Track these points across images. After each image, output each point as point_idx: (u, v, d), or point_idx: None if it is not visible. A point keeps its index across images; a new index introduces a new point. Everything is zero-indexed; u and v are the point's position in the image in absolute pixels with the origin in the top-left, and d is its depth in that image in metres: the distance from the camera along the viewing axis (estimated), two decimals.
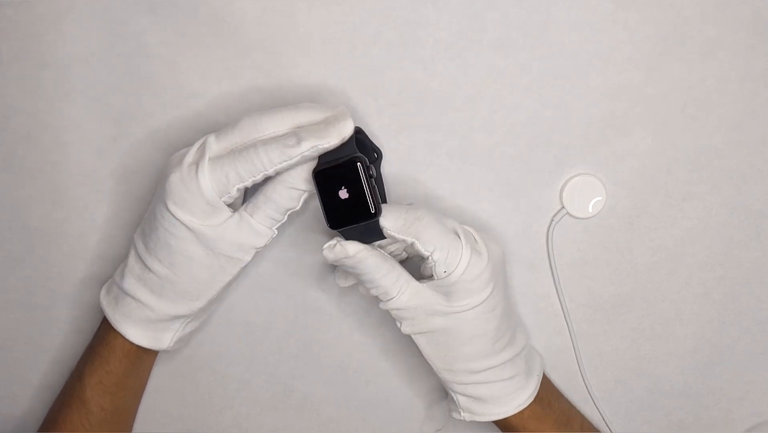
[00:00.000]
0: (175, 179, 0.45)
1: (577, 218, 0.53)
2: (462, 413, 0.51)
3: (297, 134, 0.44)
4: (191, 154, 0.46)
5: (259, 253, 0.48)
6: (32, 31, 0.51)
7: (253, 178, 0.44)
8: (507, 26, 0.50)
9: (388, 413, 0.57)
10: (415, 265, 0.50)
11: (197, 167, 0.45)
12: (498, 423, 0.52)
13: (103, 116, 0.53)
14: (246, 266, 0.48)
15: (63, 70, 0.52)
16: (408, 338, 0.48)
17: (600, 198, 0.52)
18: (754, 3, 0.50)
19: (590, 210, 0.53)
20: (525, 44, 0.51)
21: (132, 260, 0.49)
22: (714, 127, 0.52)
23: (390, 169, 0.53)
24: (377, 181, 0.49)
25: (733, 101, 0.51)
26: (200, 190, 0.45)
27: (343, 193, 0.45)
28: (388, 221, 0.45)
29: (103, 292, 0.51)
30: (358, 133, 0.46)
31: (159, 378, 0.57)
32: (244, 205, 0.47)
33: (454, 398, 0.51)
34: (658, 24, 0.50)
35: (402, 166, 0.53)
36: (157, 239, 0.47)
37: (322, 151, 0.44)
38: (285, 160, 0.44)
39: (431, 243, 0.45)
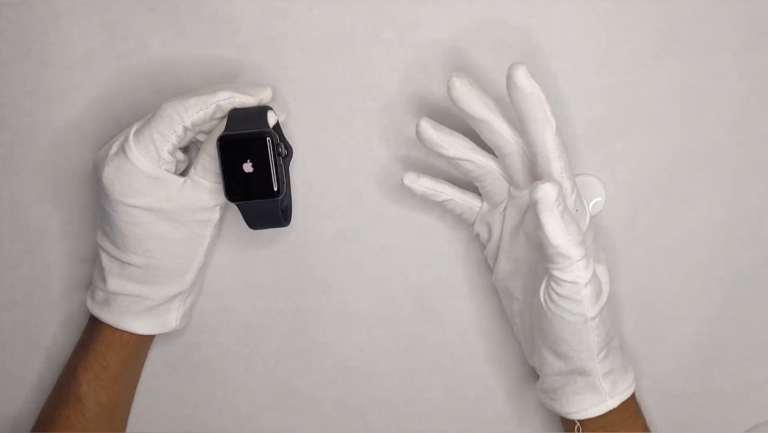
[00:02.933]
0: (109, 172, 0.46)
1: None
2: (609, 401, 0.46)
3: (213, 86, 0.46)
4: (115, 145, 0.46)
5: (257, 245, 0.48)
6: (32, 31, 0.51)
7: (176, 133, 0.45)
8: (506, 27, 0.50)
9: (388, 413, 0.57)
10: None
11: (123, 150, 0.45)
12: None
13: (103, 116, 0.53)
14: (219, 223, 0.49)
15: (63, 70, 0.52)
16: (406, 339, 0.48)
17: (600, 198, 0.52)
18: (754, 3, 0.50)
19: (590, 210, 0.53)
20: (524, 45, 0.51)
21: (106, 262, 0.49)
22: (713, 128, 0.52)
23: (391, 168, 0.53)
24: (285, 167, 0.48)
25: (732, 101, 0.51)
26: (136, 168, 0.45)
27: (248, 167, 0.44)
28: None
29: (89, 301, 0.51)
30: (274, 127, 0.46)
31: (158, 379, 0.57)
32: (193, 168, 0.47)
33: (601, 386, 0.46)
34: (657, 24, 0.50)
35: (402, 167, 0.53)
36: (121, 234, 0.47)
37: (238, 105, 0.45)
38: (201, 109, 0.44)
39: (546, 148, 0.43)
